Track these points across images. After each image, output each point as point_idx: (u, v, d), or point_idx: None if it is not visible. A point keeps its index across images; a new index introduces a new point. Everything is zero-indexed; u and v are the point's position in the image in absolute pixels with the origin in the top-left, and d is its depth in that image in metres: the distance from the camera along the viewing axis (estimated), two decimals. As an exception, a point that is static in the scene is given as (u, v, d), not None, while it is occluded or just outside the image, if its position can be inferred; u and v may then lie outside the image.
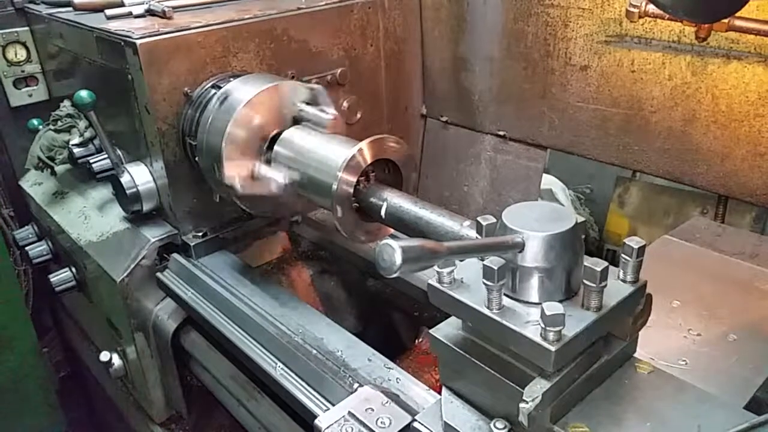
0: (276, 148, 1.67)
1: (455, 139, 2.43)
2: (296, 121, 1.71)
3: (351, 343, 1.55)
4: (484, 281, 0.96)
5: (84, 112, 1.81)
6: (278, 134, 1.69)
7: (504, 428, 1.02)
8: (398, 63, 2.36)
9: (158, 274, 1.91)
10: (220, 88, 1.81)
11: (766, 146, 1.64)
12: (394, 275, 0.83)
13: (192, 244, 1.93)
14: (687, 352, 1.24)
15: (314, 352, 1.53)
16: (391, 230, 1.59)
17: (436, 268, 1.04)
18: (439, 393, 1.34)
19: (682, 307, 1.38)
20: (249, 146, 1.67)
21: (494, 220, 1.07)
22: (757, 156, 1.66)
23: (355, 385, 1.35)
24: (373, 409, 1.26)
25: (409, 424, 1.22)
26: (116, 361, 2.12)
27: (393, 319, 2.00)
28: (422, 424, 1.11)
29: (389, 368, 1.46)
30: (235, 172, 1.64)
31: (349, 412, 1.26)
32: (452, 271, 1.04)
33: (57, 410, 2.91)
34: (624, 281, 1.01)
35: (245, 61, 1.92)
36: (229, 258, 1.96)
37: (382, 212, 1.45)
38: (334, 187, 1.44)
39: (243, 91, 1.68)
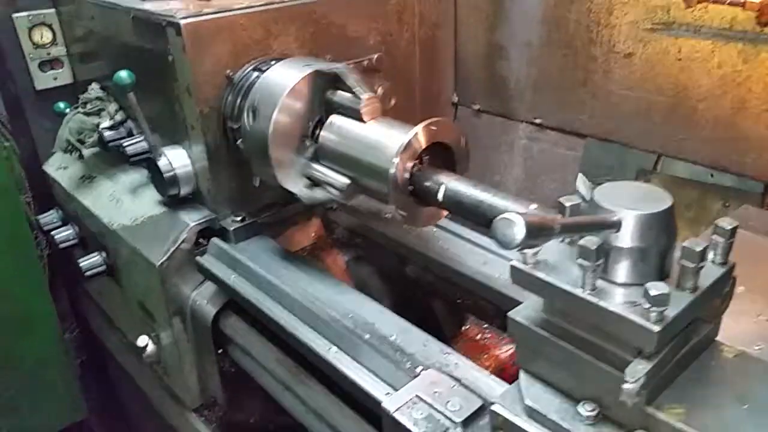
0: (323, 133, 1.65)
1: (488, 128, 2.41)
2: (331, 107, 1.67)
3: (404, 328, 1.54)
4: (580, 261, 0.94)
5: (124, 92, 1.77)
6: (320, 120, 1.67)
7: (593, 410, 1.01)
8: (432, 50, 2.34)
9: (198, 258, 1.89)
10: (261, 71, 1.78)
11: (819, 134, 1.64)
12: (512, 250, 0.82)
13: (231, 229, 1.90)
14: (761, 336, 1.24)
15: (367, 336, 1.51)
16: (445, 213, 1.57)
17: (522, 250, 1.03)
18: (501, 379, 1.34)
19: (748, 292, 1.37)
20: (295, 133, 1.65)
21: (578, 201, 1.06)
22: (809, 144, 1.66)
23: (419, 369, 1.33)
24: (441, 393, 1.25)
25: (480, 408, 1.21)
26: (149, 346, 2.09)
27: (433, 306, 1.98)
28: (502, 407, 1.09)
29: (447, 353, 1.44)
30: (288, 152, 1.62)
31: (417, 395, 1.24)
32: (538, 251, 1.02)
33: (78, 397, 2.88)
34: (713, 263, 1.00)
35: (285, 45, 1.89)
36: (268, 243, 1.93)
37: (440, 196, 1.43)
38: (392, 171, 1.42)
39: (293, 70, 1.65)
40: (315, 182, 1.69)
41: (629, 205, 0.96)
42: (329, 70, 1.63)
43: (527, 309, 1.10)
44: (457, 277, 1.81)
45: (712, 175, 3.44)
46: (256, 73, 1.78)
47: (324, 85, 1.66)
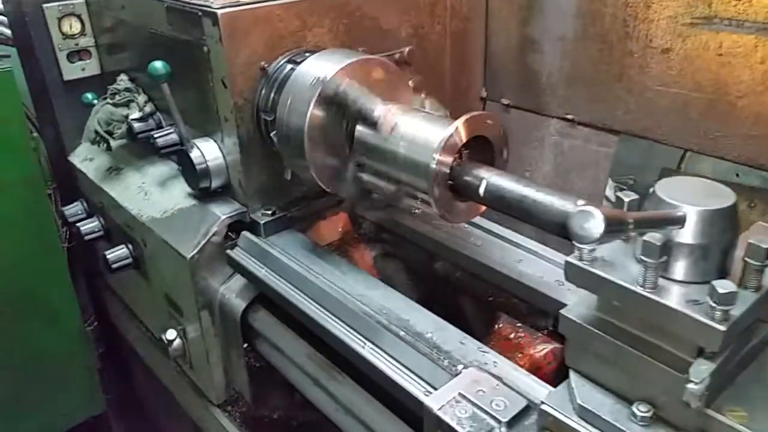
0: (359, 127, 1.63)
1: (517, 123, 2.38)
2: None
3: (439, 325, 1.51)
4: (643, 258, 0.92)
5: (158, 83, 1.76)
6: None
7: (647, 411, 0.98)
8: (462, 43, 2.31)
9: (228, 252, 1.87)
10: (296, 63, 1.77)
11: None
12: (590, 246, 0.79)
13: (262, 222, 1.88)
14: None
15: (402, 332, 1.49)
16: (482, 209, 1.55)
17: (578, 244, 1.00)
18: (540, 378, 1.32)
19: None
20: (330, 126, 1.63)
21: (636, 196, 1.03)
22: None
23: (459, 366, 1.31)
24: (484, 391, 1.23)
25: (525, 408, 1.19)
26: (176, 340, 2.08)
27: (463, 304, 1.96)
28: (552, 407, 1.07)
29: (484, 352, 1.42)
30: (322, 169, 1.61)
31: (460, 394, 1.22)
32: (595, 248, 1.00)
33: (97, 390, 2.88)
34: (775, 262, 0.97)
35: (319, 37, 1.87)
36: (298, 237, 1.92)
37: (481, 191, 1.40)
38: (433, 166, 1.40)
39: (329, 63, 1.63)
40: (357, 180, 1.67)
41: (693, 201, 0.93)
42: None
43: (579, 307, 1.08)
44: (490, 274, 1.79)
45: (737, 175, 3.39)
46: (290, 66, 1.77)
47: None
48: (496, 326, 1.77)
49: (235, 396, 2.14)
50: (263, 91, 1.78)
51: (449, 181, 1.45)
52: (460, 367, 1.30)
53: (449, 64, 2.30)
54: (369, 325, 1.52)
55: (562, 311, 1.07)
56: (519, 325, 1.74)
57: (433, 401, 1.21)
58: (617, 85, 2.06)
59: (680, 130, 1.95)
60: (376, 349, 1.46)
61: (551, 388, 1.26)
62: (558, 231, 1.27)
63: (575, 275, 1.01)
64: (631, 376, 1.01)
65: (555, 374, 1.67)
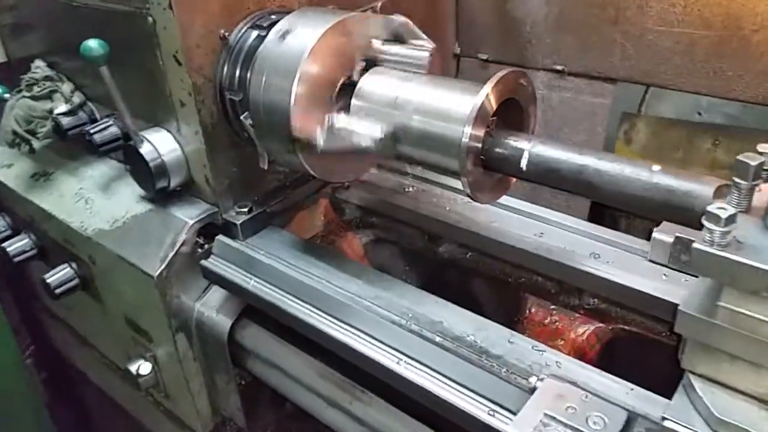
0: (354, 101, 1.36)
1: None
2: (372, 64, 1.40)
3: (479, 323, 1.30)
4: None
5: (95, 66, 1.41)
6: (347, 83, 1.38)
7: (807, 420, 0.81)
8: (433, -7, 2.06)
9: (203, 262, 1.57)
10: (262, 28, 1.47)
11: None
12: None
13: (238, 223, 1.59)
14: None
15: (438, 338, 1.27)
16: (512, 185, 1.33)
17: (710, 225, 0.80)
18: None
19: None
20: (320, 97, 1.35)
21: (762, 159, 0.84)
22: None
23: (532, 379, 1.10)
24: (575, 408, 1.03)
25: (627, 421, 1.00)
26: (145, 369, 1.77)
27: (477, 289, 1.76)
28: (680, 424, 0.88)
29: (541, 351, 1.22)
30: (313, 123, 1.32)
31: (546, 414, 1.01)
32: (731, 230, 0.80)
33: (46, 428, 2.52)
34: None
35: (284, -6, 1.57)
36: (282, 235, 1.64)
37: (523, 164, 1.18)
38: (464, 141, 1.16)
39: (307, 28, 1.34)
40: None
41: None
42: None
43: (698, 300, 0.88)
44: (508, 251, 1.58)
45: (700, 113, 3.36)
46: (256, 32, 1.47)
47: (351, 40, 1.36)
48: (527, 311, 1.57)
49: (224, 422, 1.86)
50: (226, 66, 1.47)
51: (481, 157, 1.21)
52: (533, 379, 1.09)
53: (420, 18, 2.03)
54: (397, 334, 1.29)
55: (681, 308, 0.88)
56: (553, 307, 1.55)
57: (517, 428, 1.00)
58: (613, 29, 1.87)
59: (686, 72, 1.81)
60: (414, 364, 1.23)
61: (646, 392, 1.09)
62: (633, 204, 1.08)
63: (708, 264, 0.81)
64: (782, 378, 0.83)
65: (599, 357, 1.51)
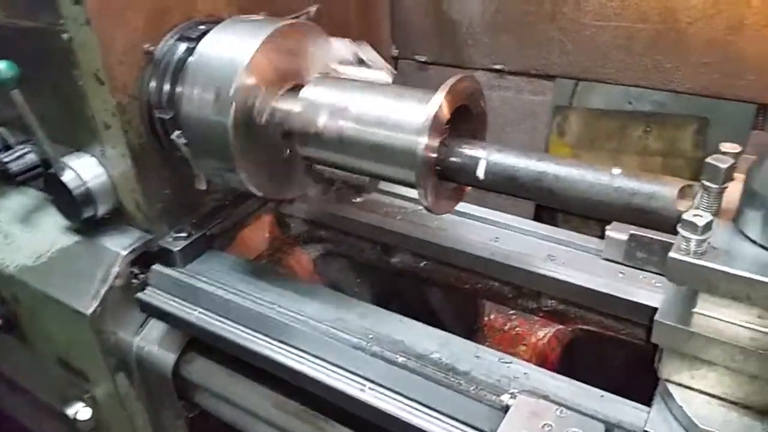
0: (299, 111, 1.27)
1: (437, 81, 2.10)
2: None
3: (442, 339, 1.25)
4: (793, 243, 0.70)
5: (5, 90, 1.27)
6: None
7: (791, 425, 0.80)
8: (366, -4, 2.00)
9: (140, 296, 1.45)
10: (191, 40, 1.37)
11: (828, 46, 1.52)
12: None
13: (176, 249, 1.48)
14: None
15: (401, 359, 1.21)
16: (468, 192, 1.28)
17: (686, 233, 0.77)
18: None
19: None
20: (261, 113, 1.27)
21: (732, 161, 0.82)
22: (816, 58, 1.55)
23: (504, 397, 1.05)
24: (551, 425, 0.98)
25: (606, 434, 0.97)
26: (84, 415, 1.63)
27: (434, 298, 1.71)
28: (663, 438, 0.85)
29: (507, 363, 1.18)
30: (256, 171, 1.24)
31: (525, 436, 0.97)
32: (707, 238, 0.77)
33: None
34: None
35: (211, 3, 1.47)
36: (225, 258, 1.54)
37: (480, 173, 1.13)
38: (420, 152, 1.10)
39: (242, 39, 1.25)
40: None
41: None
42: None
43: (673, 309, 0.86)
44: (463, 258, 1.54)
45: (630, 102, 3.44)
46: (184, 45, 1.36)
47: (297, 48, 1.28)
48: (485, 318, 1.54)
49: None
50: (154, 83, 1.36)
51: (437, 167, 1.16)
52: (505, 397, 1.04)
53: (355, 22, 1.97)
54: (358, 358, 1.22)
55: (657, 318, 0.85)
56: (512, 312, 1.52)
57: (494, 454, 0.95)
58: (550, 26, 1.86)
59: (625, 67, 1.81)
60: (381, 390, 1.16)
61: (617, 398, 1.07)
62: (595, 209, 1.05)
63: (685, 273, 0.78)
64: (764, 382, 0.81)
65: (561, 360, 1.48)
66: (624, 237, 1.39)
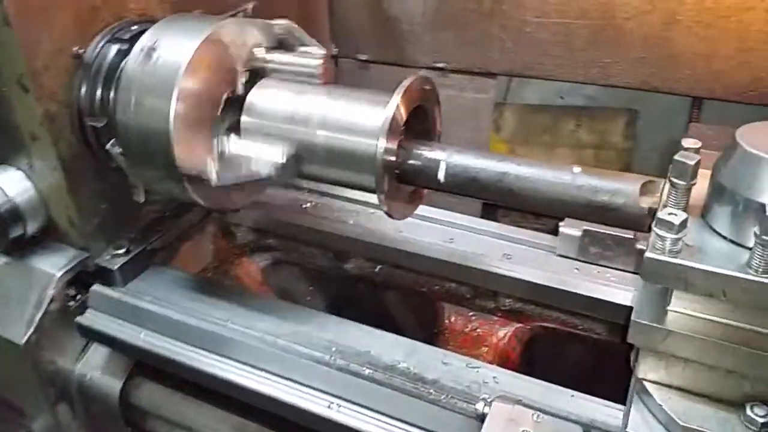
0: (245, 118, 1.21)
1: (379, 81, 2.08)
2: (256, 75, 1.26)
3: (408, 347, 1.22)
4: (766, 238, 0.71)
5: None
6: (231, 97, 1.23)
7: (765, 416, 0.81)
8: (305, -6, 1.94)
9: (79, 319, 1.35)
10: (124, 41, 1.28)
11: (754, 40, 1.59)
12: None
13: (115, 267, 1.38)
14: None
15: (367, 371, 1.17)
16: (425, 193, 1.25)
17: (661, 231, 0.77)
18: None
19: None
20: (203, 117, 1.19)
21: (698, 158, 0.82)
22: (744, 52, 1.61)
23: (479, 405, 1.03)
24: None
25: (584, 436, 0.96)
26: (20, 449, 1.50)
27: (391, 303, 1.67)
28: (643, 438, 0.85)
29: (476, 368, 1.17)
30: (199, 149, 1.16)
31: (504, 444, 0.95)
32: (682, 237, 0.77)
33: None
34: None
35: (144, 2, 1.37)
36: (169, 274, 1.46)
37: (440, 176, 1.11)
38: (380, 156, 1.06)
39: (181, 39, 1.17)
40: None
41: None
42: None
43: (648, 309, 0.86)
44: (420, 261, 1.51)
45: (562, 97, 3.53)
46: (116, 47, 1.27)
47: (231, 50, 1.21)
48: (445, 321, 1.52)
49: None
50: (84, 89, 1.26)
51: (396, 170, 1.12)
52: (479, 405, 1.02)
53: (295, 20, 1.90)
54: (322, 373, 1.17)
55: (634, 318, 0.84)
56: (471, 313, 1.50)
57: (477, 465, 0.92)
58: (491, 23, 1.86)
59: (565, 63, 1.83)
60: (348, 406, 1.12)
61: (587, 397, 1.07)
62: (557, 208, 1.04)
63: (661, 272, 0.77)
64: (738, 375, 0.82)
65: (522, 358, 1.48)
66: (578, 233, 1.40)
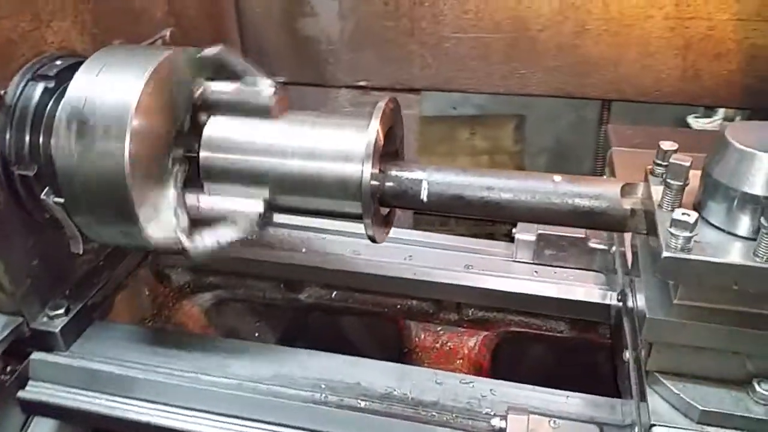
0: (205, 154, 1.12)
1: (299, 102, 2.02)
2: (199, 108, 1.17)
3: (397, 372, 1.20)
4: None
5: None
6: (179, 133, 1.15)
7: (772, 389, 0.88)
8: (217, 17, 1.85)
9: (22, 394, 1.18)
10: (48, 78, 1.15)
11: (655, 46, 1.74)
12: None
13: (57, 330, 1.24)
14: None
15: (363, 403, 1.13)
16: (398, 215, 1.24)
17: (677, 231, 0.81)
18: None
19: None
20: (158, 156, 1.10)
21: (691, 159, 0.88)
22: (647, 56, 1.75)
23: (494, 421, 1.03)
24: (552, 439, 0.98)
25: (602, 435, 0.99)
26: None
27: (353, 329, 1.63)
28: (669, 426, 0.89)
29: (470, 383, 1.17)
30: (159, 198, 1.07)
31: (532, 455, 0.96)
32: (696, 234, 0.82)
33: None
34: None
35: (63, 34, 1.25)
36: (115, 330, 1.34)
37: (423, 196, 1.10)
38: (366, 181, 1.03)
39: (123, 75, 1.07)
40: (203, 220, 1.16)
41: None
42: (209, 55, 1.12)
43: (656, 304, 0.90)
44: (381, 282, 1.49)
45: (454, 108, 3.65)
46: (41, 84, 1.14)
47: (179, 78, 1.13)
48: (414, 339, 1.50)
49: None
50: (9, 134, 1.12)
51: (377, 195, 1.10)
52: (495, 421, 1.02)
53: (209, 44, 1.82)
54: (317, 412, 1.12)
55: (650, 316, 0.88)
56: (440, 329, 1.51)
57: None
58: (410, 40, 1.89)
59: (484, 75, 1.89)
60: (355, 443, 1.07)
61: (582, 395, 1.10)
62: (542, 217, 1.07)
63: (680, 270, 0.82)
64: (744, 356, 0.88)
65: (492, 365, 1.51)
66: (532, 237, 1.45)
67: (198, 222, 1.12)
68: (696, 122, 3.30)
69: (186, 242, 1.07)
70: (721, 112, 3.23)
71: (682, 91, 1.76)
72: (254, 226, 1.09)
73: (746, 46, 1.66)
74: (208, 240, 1.09)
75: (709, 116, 3.29)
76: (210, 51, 1.22)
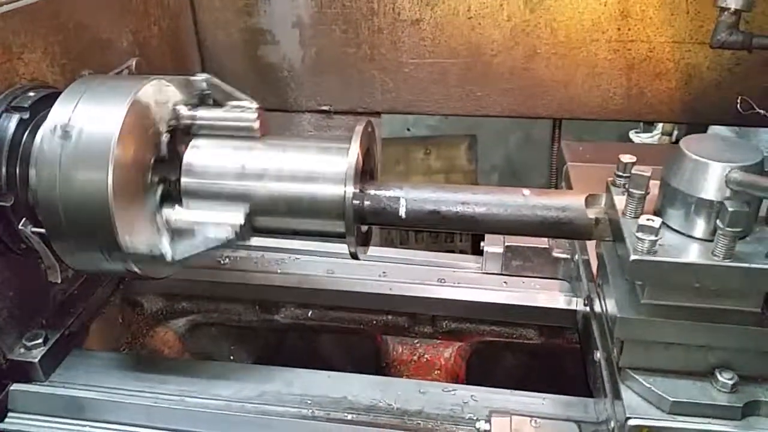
0: (187, 180, 1.15)
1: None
2: (177, 134, 1.20)
3: (381, 384, 1.24)
4: (729, 229, 0.86)
5: None
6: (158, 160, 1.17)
7: (731, 378, 0.96)
8: (178, 45, 1.88)
9: (1, 426, 1.16)
10: (23, 109, 1.16)
11: (602, 67, 1.86)
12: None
13: (36, 360, 1.22)
14: None
15: (350, 416, 1.17)
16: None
17: (643, 236, 0.89)
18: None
19: None
20: (139, 184, 1.12)
21: (650, 169, 0.97)
22: (594, 77, 1.88)
23: (480, 424, 1.08)
24: (535, 437, 1.04)
25: None
26: None
27: (331, 346, 1.66)
28: (642, 418, 0.96)
29: (452, 391, 1.22)
30: (140, 220, 1.09)
31: (518, 454, 1.01)
32: (660, 238, 0.90)
33: None
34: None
35: (34, 65, 1.26)
36: (95, 358, 1.34)
37: (402, 212, 1.15)
38: (349, 201, 1.08)
39: (103, 106, 1.09)
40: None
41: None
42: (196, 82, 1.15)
43: (625, 305, 0.98)
44: (356, 299, 1.54)
45: (408, 129, 3.75)
46: (15, 116, 1.15)
47: (158, 106, 1.15)
48: (392, 353, 1.55)
49: None
50: (-15, 164, 1.11)
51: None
52: (480, 424, 1.07)
53: (173, 72, 1.84)
54: (306, 428, 1.15)
55: (620, 315, 0.96)
56: (417, 341, 1.55)
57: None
58: (370, 66, 1.96)
59: (442, 98, 1.98)
60: (349, 455, 1.11)
61: (557, 397, 1.17)
62: (514, 228, 1.14)
63: (647, 272, 0.90)
64: (706, 349, 0.97)
65: (468, 374, 1.56)
66: (500, 249, 1.53)
67: (179, 232, 1.14)
68: (637, 137, 3.50)
69: (167, 251, 1.08)
70: (660, 127, 3.44)
71: (628, 109, 1.88)
72: (235, 236, 1.10)
73: (683, 66, 1.80)
74: (188, 247, 1.11)
75: (649, 131, 3.50)
76: (199, 77, 1.25)
